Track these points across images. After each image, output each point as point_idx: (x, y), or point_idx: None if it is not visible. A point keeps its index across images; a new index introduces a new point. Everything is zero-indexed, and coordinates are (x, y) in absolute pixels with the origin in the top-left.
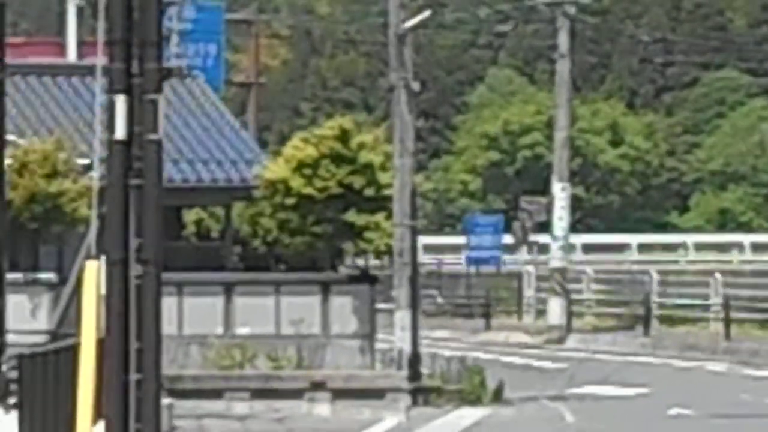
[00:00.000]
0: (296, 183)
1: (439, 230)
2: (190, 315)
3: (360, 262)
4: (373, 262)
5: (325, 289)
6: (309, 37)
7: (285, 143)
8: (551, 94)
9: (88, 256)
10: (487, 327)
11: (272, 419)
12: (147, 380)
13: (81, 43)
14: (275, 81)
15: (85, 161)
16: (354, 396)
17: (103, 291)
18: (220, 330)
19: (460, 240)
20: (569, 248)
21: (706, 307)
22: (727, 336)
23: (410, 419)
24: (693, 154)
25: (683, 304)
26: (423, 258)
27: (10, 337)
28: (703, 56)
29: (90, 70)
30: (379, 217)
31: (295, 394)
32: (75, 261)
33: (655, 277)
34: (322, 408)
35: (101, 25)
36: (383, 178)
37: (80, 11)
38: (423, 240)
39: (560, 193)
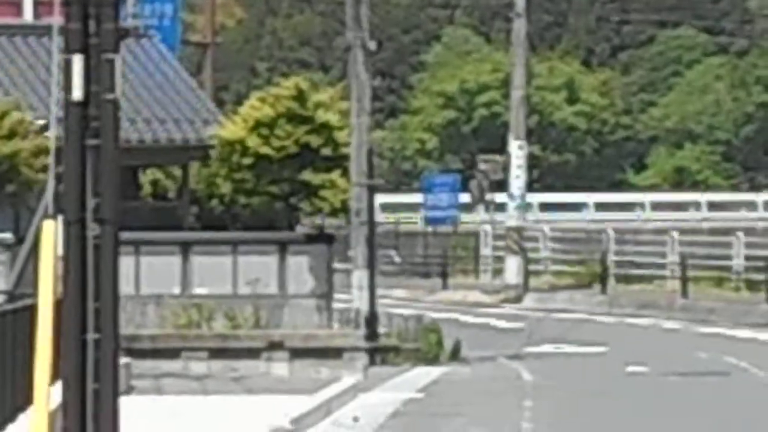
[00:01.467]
0: (253, 143)
1: (395, 189)
2: (147, 275)
3: (317, 221)
4: (329, 221)
5: (282, 248)
6: None
7: (241, 103)
8: (508, 53)
9: (45, 216)
10: (445, 286)
11: (230, 379)
12: (105, 340)
13: (37, 3)
14: (231, 41)
15: (42, 121)
16: (311, 355)
17: (61, 251)
18: (177, 290)
19: (417, 199)
20: (526, 207)
21: (662, 266)
22: (684, 294)
23: (368, 378)
24: (649, 112)
25: (640, 263)
26: (380, 217)
27: None
28: (659, 14)
29: (46, 30)
30: (335, 175)
31: (253, 353)
32: (32, 221)
33: (612, 235)
34: (280, 367)
35: None
36: (340, 137)
37: None
38: (380, 199)
39: (517, 151)
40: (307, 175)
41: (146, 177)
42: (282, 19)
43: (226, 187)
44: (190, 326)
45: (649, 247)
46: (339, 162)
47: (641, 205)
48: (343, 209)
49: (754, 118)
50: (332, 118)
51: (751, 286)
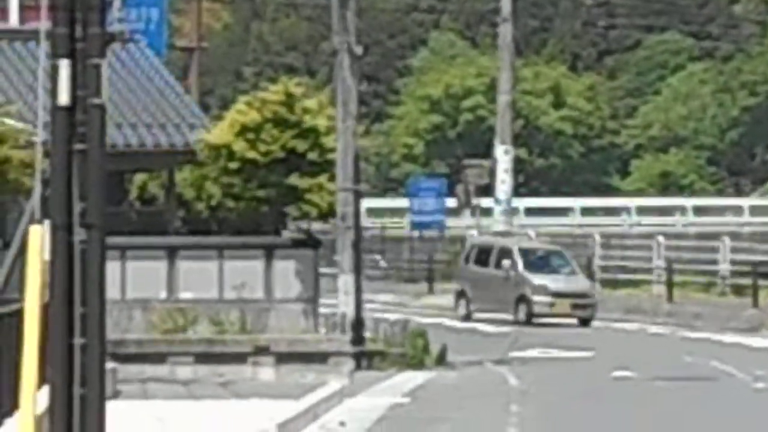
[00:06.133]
0: (239, 147)
1: (382, 194)
2: (133, 279)
3: (303, 225)
4: (316, 226)
5: (269, 253)
6: (251, 1)
7: (227, 107)
8: (493, 58)
9: (31, 221)
10: (430, 291)
11: (216, 383)
12: (91, 345)
13: (23, 8)
14: (217, 45)
15: (29, 127)
16: (298, 360)
17: (47, 256)
18: (163, 294)
19: (404, 203)
20: (512, 211)
21: (648, 270)
22: (670, 299)
23: (354, 383)
24: (635, 117)
25: (626, 267)
26: (366, 222)
27: None
28: (645, 19)
29: (32, 35)
30: (322, 178)
31: (239, 358)
32: (18, 226)
33: (598, 240)
34: (266, 372)
35: None
36: (327, 141)
37: None
38: (366, 203)
39: (503, 156)
40: (293, 180)
41: (133, 181)
42: (268, 24)
43: (213, 191)
44: (176, 331)
45: (635, 252)
46: (325, 167)
47: (627, 210)
48: (331, 213)
49: (739, 122)
50: (319, 123)
51: (737, 290)
